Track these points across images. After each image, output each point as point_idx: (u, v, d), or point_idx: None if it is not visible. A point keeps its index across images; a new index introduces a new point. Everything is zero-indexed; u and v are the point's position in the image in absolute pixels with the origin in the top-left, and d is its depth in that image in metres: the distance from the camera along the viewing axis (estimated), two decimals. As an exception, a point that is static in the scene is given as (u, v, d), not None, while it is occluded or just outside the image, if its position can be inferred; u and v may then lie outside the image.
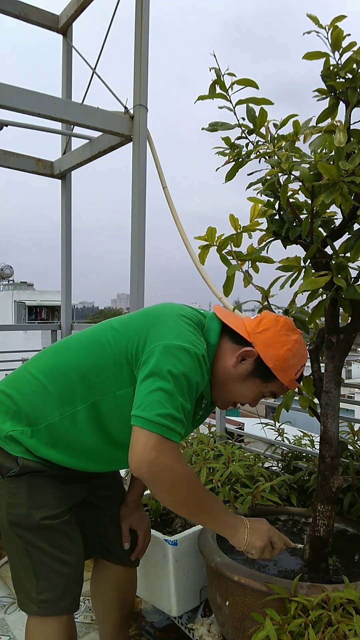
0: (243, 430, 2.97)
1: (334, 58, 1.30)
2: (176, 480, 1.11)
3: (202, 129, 1.48)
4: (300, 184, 1.38)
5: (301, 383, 1.60)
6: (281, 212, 1.48)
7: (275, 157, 1.34)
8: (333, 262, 1.34)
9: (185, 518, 1.91)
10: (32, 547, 1.26)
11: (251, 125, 1.46)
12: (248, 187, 1.47)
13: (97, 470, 1.38)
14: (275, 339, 1.27)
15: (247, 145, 1.47)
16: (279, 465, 2.27)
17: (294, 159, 1.34)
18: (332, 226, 1.47)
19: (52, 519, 1.26)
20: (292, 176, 1.34)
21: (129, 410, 1.14)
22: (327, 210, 1.44)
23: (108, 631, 1.57)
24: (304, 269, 1.43)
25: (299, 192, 1.46)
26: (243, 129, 1.46)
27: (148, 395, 1.11)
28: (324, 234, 1.46)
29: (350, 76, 1.30)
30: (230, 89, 1.41)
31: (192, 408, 1.18)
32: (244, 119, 1.45)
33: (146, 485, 1.50)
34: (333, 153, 1.27)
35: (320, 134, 1.33)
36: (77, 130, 3.12)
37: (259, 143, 1.45)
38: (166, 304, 1.32)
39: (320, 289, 1.40)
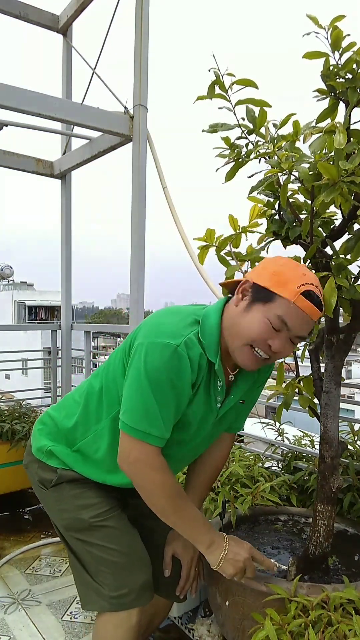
0: (243, 430, 2.96)
1: (334, 58, 1.30)
2: (149, 483, 1.20)
3: (203, 130, 1.47)
4: (300, 184, 1.38)
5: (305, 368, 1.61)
6: (281, 212, 1.48)
7: (275, 157, 1.34)
8: (333, 262, 1.34)
9: None
10: (92, 546, 1.31)
11: (251, 126, 1.45)
12: (250, 192, 1.46)
13: (123, 483, 1.34)
14: (266, 264, 1.23)
15: (246, 145, 1.47)
16: (279, 465, 2.27)
17: (294, 159, 1.33)
18: (332, 226, 1.47)
19: (100, 516, 1.32)
20: (292, 176, 1.34)
21: None
22: (327, 210, 1.43)
23: None
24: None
25: (299, 192, 1.46)
26: (243, 129, 1.46)
27: (127, 398, 1.18)
28: (324, 234, 1.45)
29: (350, 76, 1.30)
30: (229, 89, 1.41)
31: (187, 397, 1.19)
32: (243, 119, 1.45)
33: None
34: (333, 153, 1.27)
35: (320, 134, 1.33)
36: (77, 130, 3.12)
37: (259, 143, 1.45)
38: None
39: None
